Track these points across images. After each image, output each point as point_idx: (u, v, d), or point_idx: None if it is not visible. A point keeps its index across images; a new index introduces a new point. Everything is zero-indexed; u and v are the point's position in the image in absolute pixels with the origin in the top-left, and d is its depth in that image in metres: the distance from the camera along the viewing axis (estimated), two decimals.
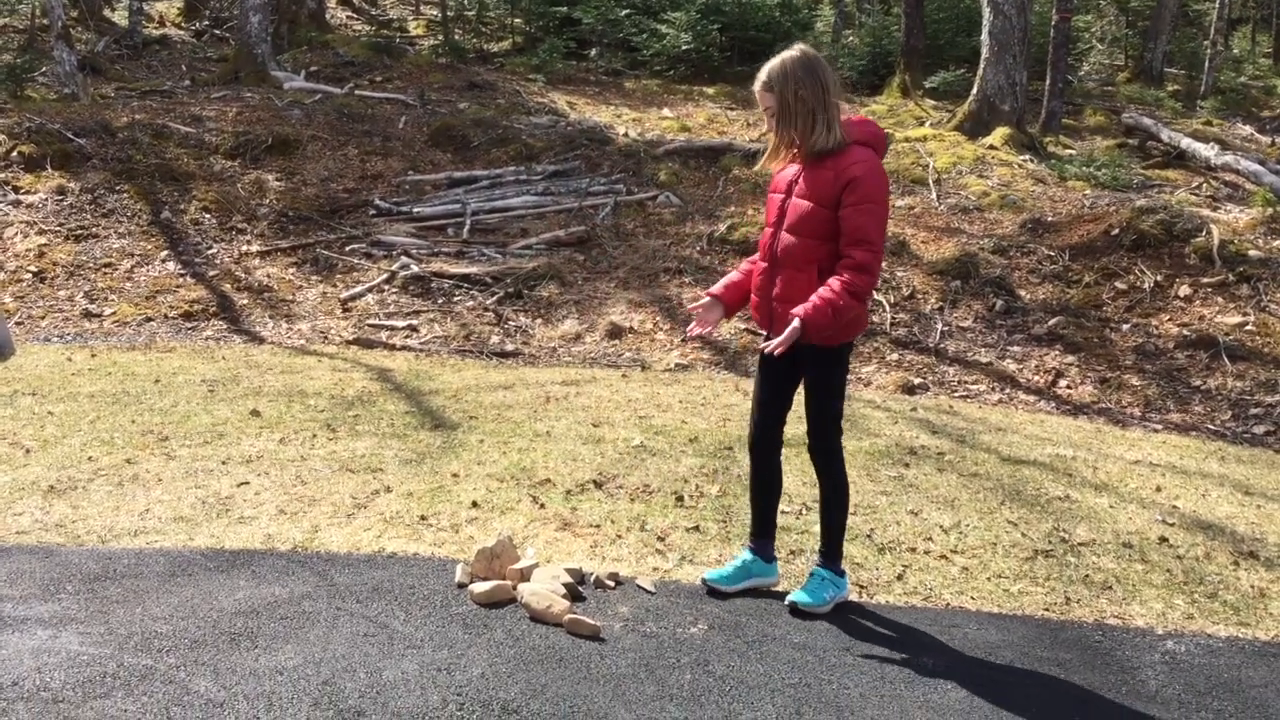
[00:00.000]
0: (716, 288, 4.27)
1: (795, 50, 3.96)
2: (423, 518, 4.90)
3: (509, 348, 8.89)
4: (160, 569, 4.23)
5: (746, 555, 4.31)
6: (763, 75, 3.94)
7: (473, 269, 10.16)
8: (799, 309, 3.81)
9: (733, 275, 4.29)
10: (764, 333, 4.16)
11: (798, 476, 5.47)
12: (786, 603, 4.15)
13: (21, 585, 4.02)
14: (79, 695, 3.26)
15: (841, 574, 4.23)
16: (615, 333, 9.15)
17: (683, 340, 4.14)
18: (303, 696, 3.31)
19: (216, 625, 3.76)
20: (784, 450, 4.32)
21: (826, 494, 4.17)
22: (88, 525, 4.67)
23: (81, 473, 5.32)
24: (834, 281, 3.82)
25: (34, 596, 3.93)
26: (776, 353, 3.82)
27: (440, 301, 9.66)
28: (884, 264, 10.04)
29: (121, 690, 3.30)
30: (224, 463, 5.54)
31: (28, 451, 5.61)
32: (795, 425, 4.21)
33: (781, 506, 4.56)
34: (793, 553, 4.71)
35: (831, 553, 4.20)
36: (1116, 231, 10.39)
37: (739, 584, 4.24)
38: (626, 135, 13.98)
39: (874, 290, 3.88)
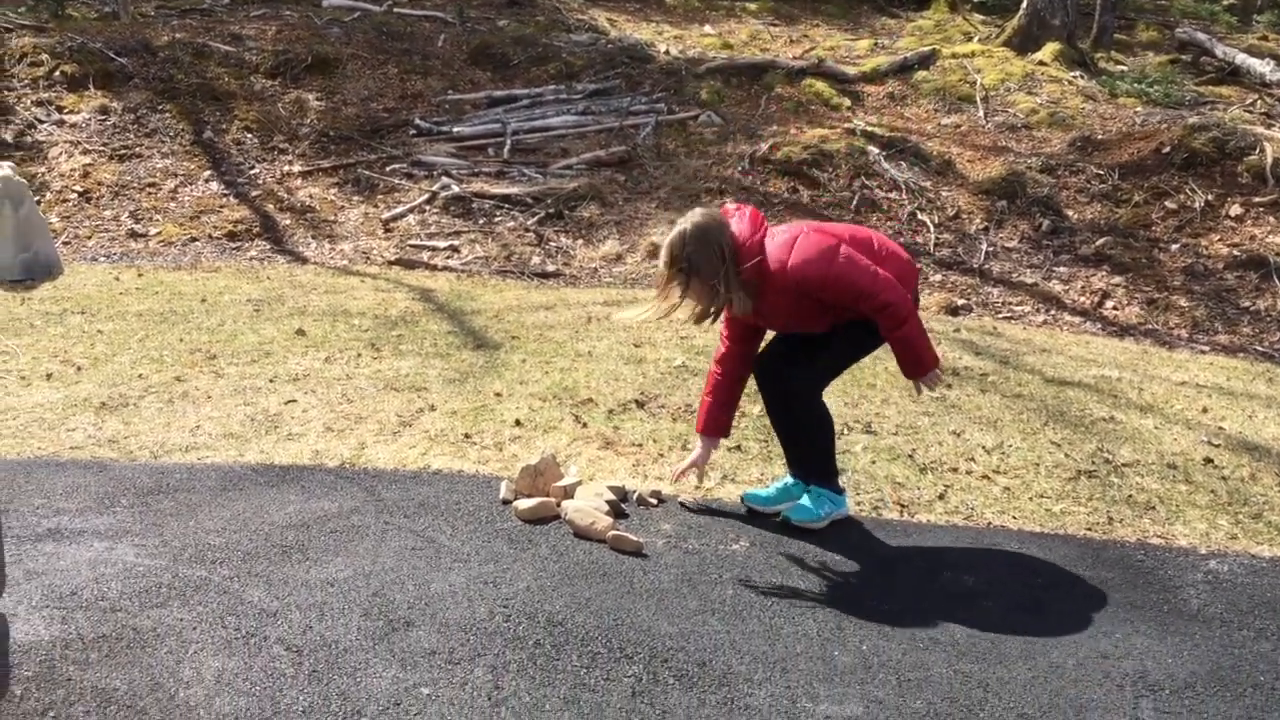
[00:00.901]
0: (709, 426, 4.20)
1: (682, 225, 3.84)
2: (467, 436, 4.95)
3: (550, 268, 8.89)
4: (212, 484, 4.32)
5: (788, 479, 4.32)
6: (663, 254, 3.83)
7: (513, 189, 10.14)
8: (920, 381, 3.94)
9: (709, 402, 4.19)
10: None
11: (837, 398, 5.47)
12: (779, 518, 4.17)
13: (77, 499, 4.11)
14: (136, 605, 3.35)
15: (840, 491, 4.23)
16: (656, 253, 9.10)
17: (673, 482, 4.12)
18: (353, 607, 3.39)
19: (268, 538, 3.84)
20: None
21: (804, 426, 4.14)
22: (140, 441, 4.76)
23: (132, 390, 5.41)
24: (885, 331, 3.84)
25: (90, 510, 4.03)
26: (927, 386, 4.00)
27: (481, 222, 9.66)
28: (929, 184, 9.95)
29: (177, 600, 3.39)
30: (271, 381, 5.61)
31: (79, 369, 5.70)
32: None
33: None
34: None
35: (824, 471, 4.18)
36: (1168, 150, 10.18)
37: (779, 505, 4.27)
38: (668, 53, 13.79)
39: (906, 299, 3.81)
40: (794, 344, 4.09)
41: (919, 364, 3.87)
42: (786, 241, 3.78)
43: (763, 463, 4.77)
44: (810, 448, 4.16)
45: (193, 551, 3.72)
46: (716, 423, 4.19)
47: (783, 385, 4.09)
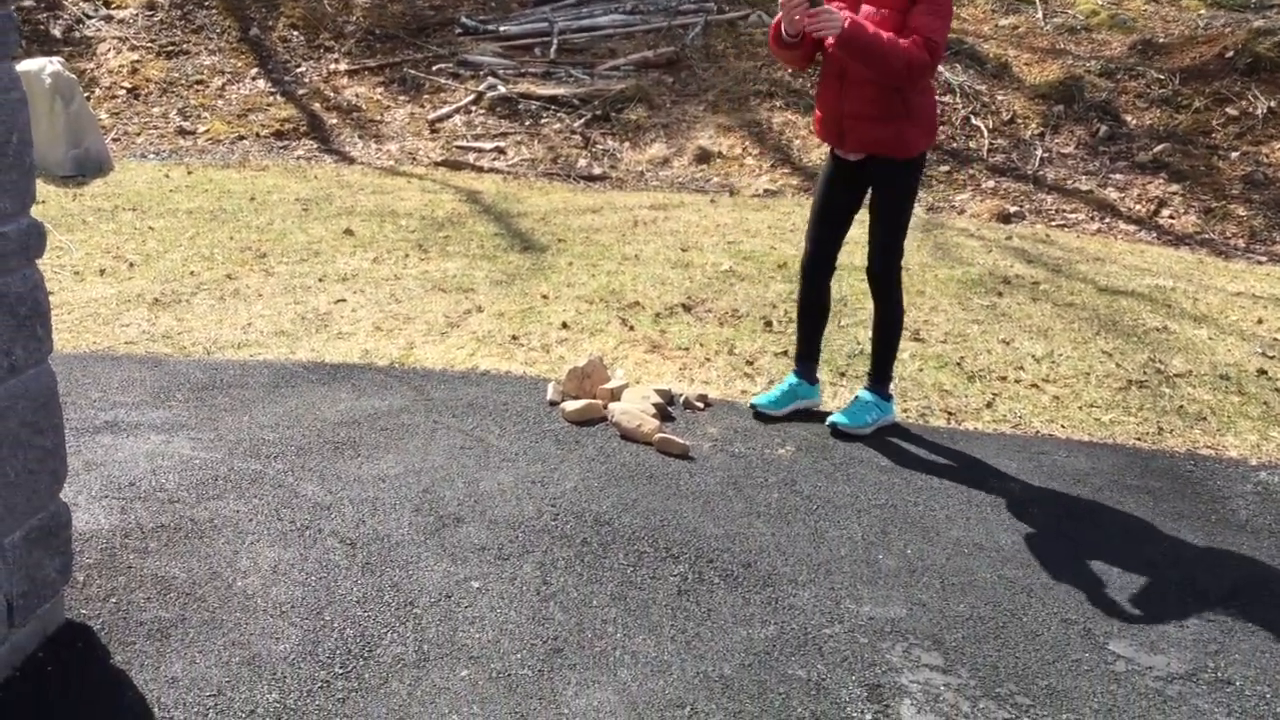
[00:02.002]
0: None
1: None
2: (514, 337, 4.97)
3: (596, 171, 8.83)
4: (264, 380, 4.37)
5: (792, 379, 4.32)
6: None
7: (560, 90, 10.03)
8: (847, 20, 3.58)
9: None
10: (831, 149, 4.04)
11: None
12: (827, 424, 4.17)
13: (133, 392, 4.19)
14: (193, 496, 3.43)
15: (888, 398, 4.23)
16: (703, 157, 9.02)
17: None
18: (405, 502, 3.44)
19: (320, 434, 3.90)
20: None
21: (881, 319, 4.15)
22: (193, 337, 4.82)
23: (184, 287, 5.47)
24: (892, 36, 3.64)
25: (145, 403, 4.10)
26: (805, 24, 3.59)
27: (527, 124, 9.58)
28: (984, 87, 9.73)
29: (233, 493, 3.46)
30: (320, 280, 5.65)
31: (131, 265, 5.76)
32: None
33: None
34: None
35: (880, 376, 4.20)
36: (1231, 54, 9.87)
37: (786, 407, 4.27)
38: None
39: (920, 81, 3.72)
40: (841, 230, 4.10)
41: (864, 38, 3.59)
42: None
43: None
44: (888, 344, 4.16)
45: (247, 446, 3.79)
46: None
47: (873, 278, 4.08)
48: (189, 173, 8.01)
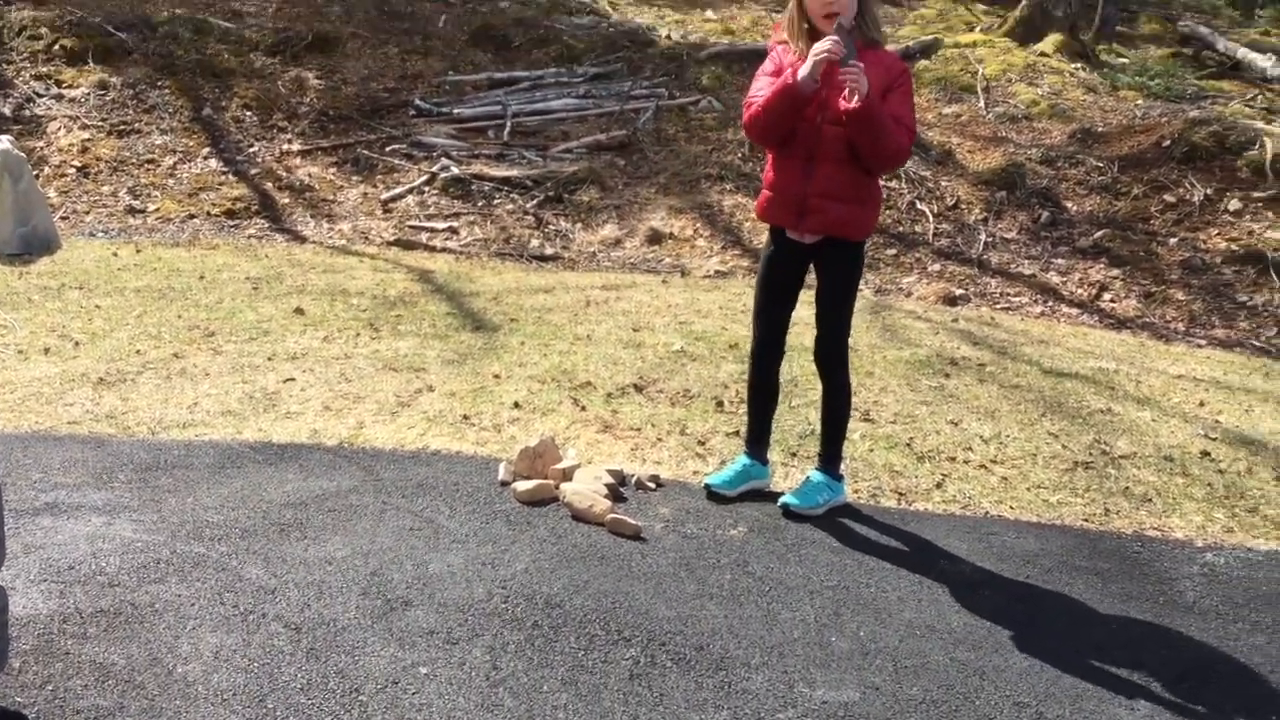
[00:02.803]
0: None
1: None
2: (465, 417, 4.95)
3: (549, 251, 8.88)
4: (210, 460, 4.31)
5: (744, 459, 4.34)
6: None
7: (513, 172, 10.11)
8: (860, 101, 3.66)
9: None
10: (785, 231, 4.07)
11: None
12: (779, 505, 4.18)
13: (75, 473, 4.11)
14: (134, 580, 3.35)
15: (840, 479, 4.25)
16: (655, 238, 9.11)
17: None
18: (352, 585, 3.39)
19: (266, 515, 3.84)
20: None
21: (830, 400, 4.18)
22: (137, 416, 4.75)
23: (130, 365, 5.40)
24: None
25: (87, 485, 4.02)
26: (841, 75, 3.65)
27: (480, 204, 9.64)
28: (929, 173, 9.94)
29: (175, 576, 3.39)
30: (270, 359, 5.61)
31: (77, 344, 5.69)
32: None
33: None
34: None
35: (831, 456, 4.22)
36: (1168, 143, 10.18)
37: (739, 487, 4.27)
38: (669, 38, 13.75)
39: (898, 166, 3.89)
40: (787, 314, 4.17)
41: (875, 113, 3.70)
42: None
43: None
44: (836, 424, 4.18)
45: (190, 528, 3.72)
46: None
47: (822, 358, 4.13)
48: (138, 251, 7.96)
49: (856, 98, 3.64)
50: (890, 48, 4.04)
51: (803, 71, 3.73)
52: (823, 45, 3.68)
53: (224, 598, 3.28)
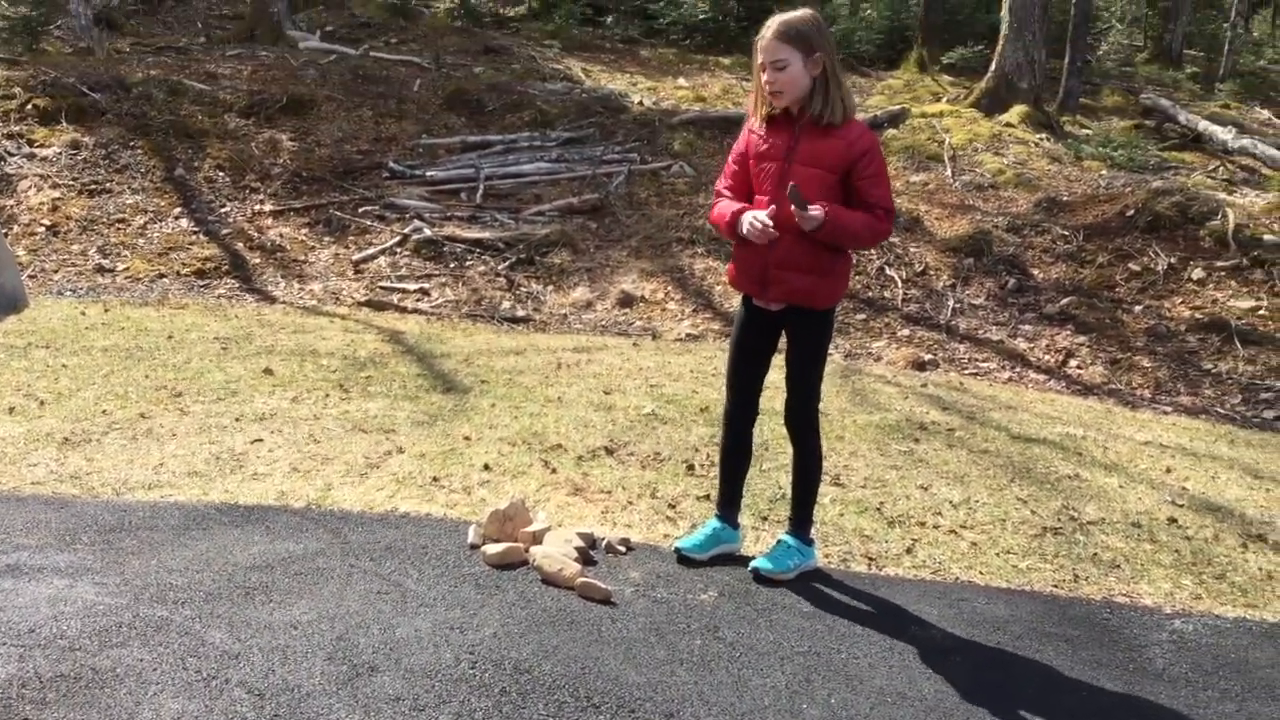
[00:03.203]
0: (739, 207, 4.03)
1: (808, 10, 3.91)
2: (435, 479, 4.92)
3: (520, 314, 8.90)
4: (175, 522, 4.26)
5: (715, 523, 4.33)
6: (779, 26, 3.82)
7: (485, 234, 10.15)
8: (821, 209, 3.72)
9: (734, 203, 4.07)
10: (753, 298, 4.10)
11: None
12: (750, 569, 4.16)
13: (37, 535, 4.05)
14: (95, 644, 3.29)
15: (810, 543, 4.24)
16: (626, 301, 9.15)
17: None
18: (317, 650, 3.34)
19: (231, 579, 3.79)
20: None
21: (801, 464, 4.18)
22: (102, 478, 4.70)
23: (96, 426, 5.34)
24: (863, 214, 3.81)
25: (50, 546, 3.96)
26: (802, 226, 3.74)
27: (452, 266, 9.66)
28: (898, 240, 10.06)
29: (137, 640, 3.33)
30: (237, 419, 5.56)
31: (42, 404, 5.63)
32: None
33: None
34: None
35: (802, 520, 4.21)
36: (1131, 213, 10.35)
37: (709, 551, 4.25)
38: (641, 104, 13.92)
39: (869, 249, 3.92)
40: (760, 380, 4.18)
41: (843, 222, 3.78)
42: (859, 122, 3.95)
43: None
44: (807, 488, 4.18)
45: (154, 591, 3.66)
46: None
47: (792, 423, 4.12)
48: (106, 310, 7.91)
49: (810, 227, 3.75)
50: (859, 116, 4.07)
51: (743, 228, 3.89)
52: (754, 224, 3.83)
53: (186, 662, 3.22)
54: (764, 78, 3.88)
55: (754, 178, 3.99)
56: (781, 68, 3.82)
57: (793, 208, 3.73)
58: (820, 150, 3.83)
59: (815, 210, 3.71)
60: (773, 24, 3.85)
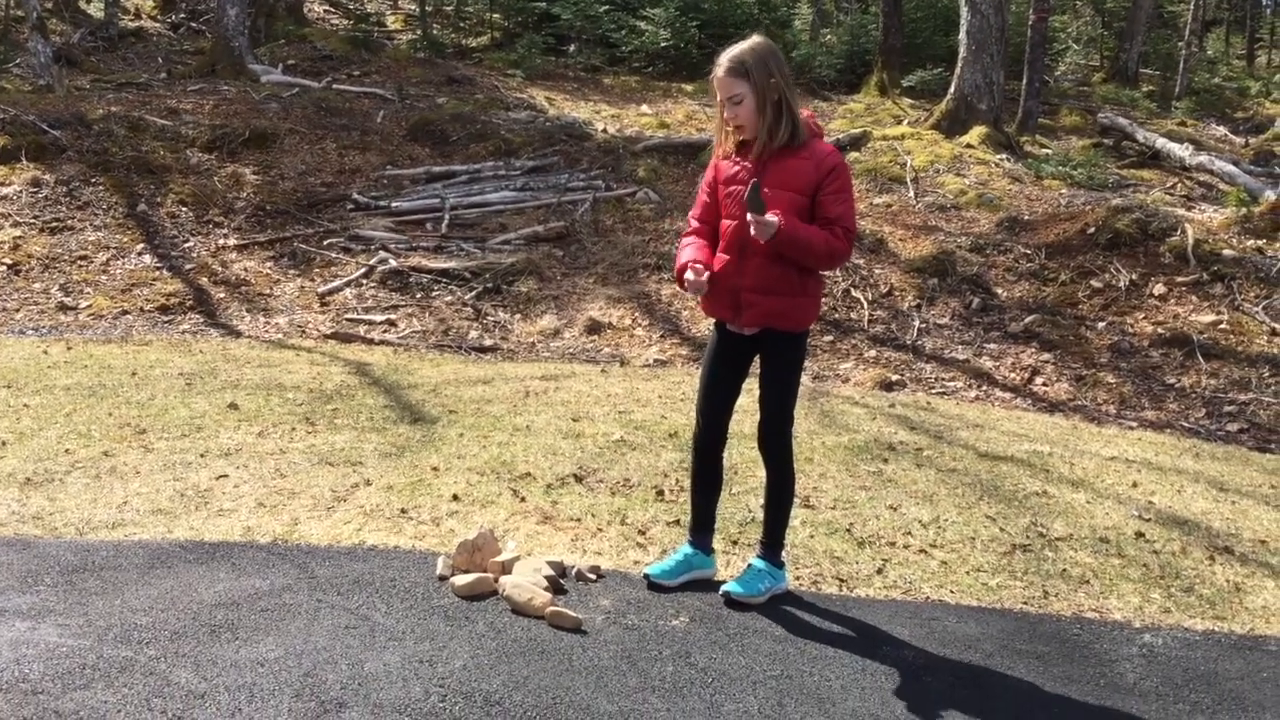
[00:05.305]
0: (700, 260, 4.03)
1: (758, 38, 3.96)
2: (403, 511, 4.88)
3: (487, 343, 8.88)
4: (139, 561, 4.21)
5: (687, 549, 4.32)
6: (728, 63, 3.87)
7: (451, 264, 10.14)
8: (776, 215, 3.75)
9: (697, 245, 4.10)
10: (726, 323, 4.10)
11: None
12: (720, 593, 4.15)
13: None
14: (58, 687, 3.24)
15: (780, 565, 4.23)
16: (594, 328, 9.15)
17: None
18: (284, 688, 3.30)
19: (196, 617, 3.75)
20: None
21: (773, 486, 4.19)
22: (65, 517, 4.64)
23: (58, 465, 5.28)
24: (821, 230, 3.84)
25: (11, 588, 3.90)
26: (754, 232, 3.76)
27: (418, 296, 9.64)
28: (862, 261, 10.12)
29: (101, 682, 3.28)
30: (202, 455, 5.51)
31: (3, 444, 5.56)
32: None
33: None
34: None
35: (773, 543, 4.21)
36: (1092, 230, 10.46)
37: (680, 577, 4.24)
38: (605, 131, 13.97)
39: (837, 266, 3.95)
40: (730, 404, 4.17)
41: (798, 236, 3.81)
42: (824, 141, 4.01)
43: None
44: (780, 511, 4.18)
45: (118, 631, 3.61)
46: (703, 253, 4.06)
47: (766, 446, 4.12)
48: (68, 348, 7.84)
49: (764, 238, 3.78)
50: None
51: (687, 283, 3.97)
52: (689, 280, 3.93)
53: (152, 703, 3.18)
54: (725, 114, 3.93)
55: (721, 204, 4.03)
56: (738, 102, 3.88)
57: (749, 215, 3.74)
58: (789, 171, 3.87)
59: (771, 217, 3.74)
60: (723, 61, 3.91)
